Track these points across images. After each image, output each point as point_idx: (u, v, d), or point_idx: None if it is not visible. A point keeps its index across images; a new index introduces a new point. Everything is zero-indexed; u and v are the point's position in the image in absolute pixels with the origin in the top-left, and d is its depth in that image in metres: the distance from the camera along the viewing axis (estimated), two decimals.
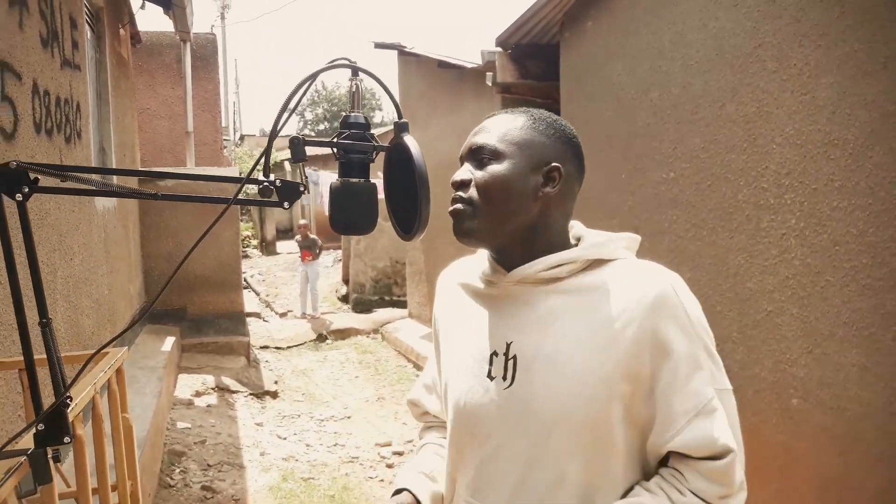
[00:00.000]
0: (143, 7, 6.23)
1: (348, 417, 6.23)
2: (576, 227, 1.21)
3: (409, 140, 1.04)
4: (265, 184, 0.98)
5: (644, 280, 1.07)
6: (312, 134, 37.28)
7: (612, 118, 4.08)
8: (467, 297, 1.25)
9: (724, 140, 3.22)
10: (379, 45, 8.35)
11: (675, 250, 3.57)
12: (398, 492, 1.24)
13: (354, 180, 1.03)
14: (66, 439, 1.10)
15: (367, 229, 1.05)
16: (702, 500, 1.02)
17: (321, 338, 9.50)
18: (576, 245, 1.16)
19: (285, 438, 5.57)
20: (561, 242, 1.15)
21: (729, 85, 3.16)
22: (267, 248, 19.33)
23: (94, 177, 1.08)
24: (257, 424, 5.84)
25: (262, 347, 8.80)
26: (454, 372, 1.21)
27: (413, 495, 1.23)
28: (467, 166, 1.14)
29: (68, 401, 1.09)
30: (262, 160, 1.00)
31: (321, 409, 6.50)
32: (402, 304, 10.28)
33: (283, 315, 11.18)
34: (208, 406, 5.94)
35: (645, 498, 1.03)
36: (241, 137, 27.50)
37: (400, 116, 1.07)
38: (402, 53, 8.08)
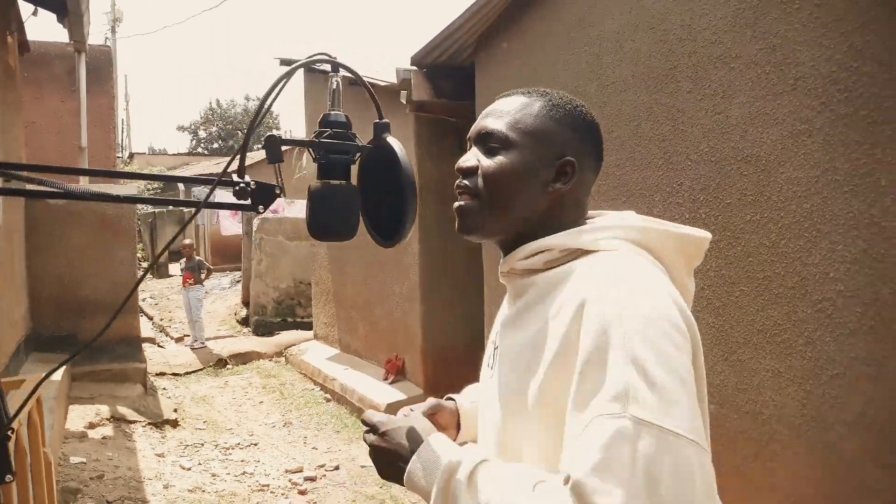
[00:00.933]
0: (35, 14, 5.85)
1: (255, 444, 5.98)
2: (602, 217, 1.09)
3: (394, 141, 1.00)
4: (241, 185, 0.91)
5: (593, 280, 0.92)
6: (206, 153, 36.09)
7: None
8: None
9: (639, 157, 3.34)
10: (285, 62, 8.20)
11: None
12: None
13: (335, 182, 0.97)
14: (8, 477, 0.97)
15: (348, 235, 0.98)
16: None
17: (221, 363, 9.11)
18: None
19: (189, 469, 5.28)
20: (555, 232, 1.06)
21: (644, 105, 3.29)
22: (158, 270, 18.46)
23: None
24: (158, 455, 5.50)
25: (158, 374, 8.34)
26: (484, 359, 1.22)
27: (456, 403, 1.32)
28: (475, 151, 1.08)
29: (10, 433, 0.97)
30: (238, 159, 0.93)
31: (225, 436, 6.21)
32: (307, 326, 10.02)
33: (178, 340, 10.67)
34: (104, 438, 5.55)
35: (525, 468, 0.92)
36: (131, 155, 26.29)
37: (380, 116, 1.03)
38: (310, 70, 7.96)
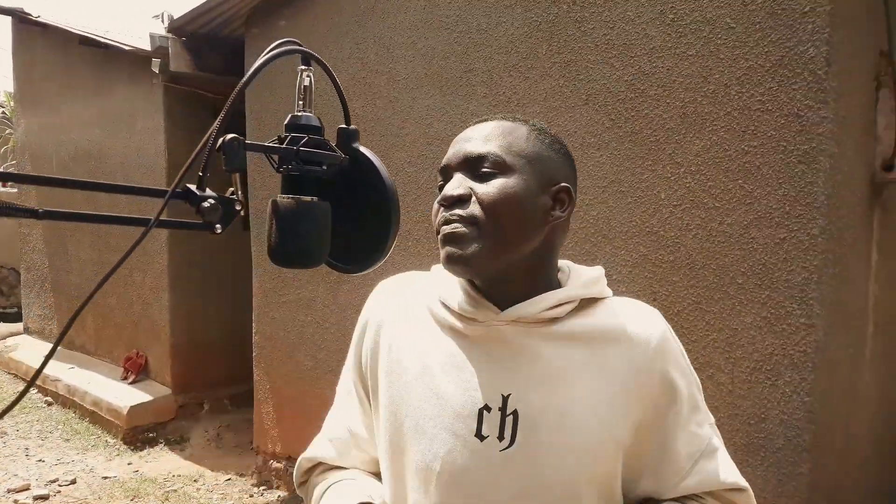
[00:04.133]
0: None
1: None
2: (582, 267, 1.11)
3: (368, 152, 0.86)
4: (210, 201, 0.71)
5: (643, 324, 1.01)
6: None
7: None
8: (437, 330, 1.04)
9: (431, 156, 3.36)
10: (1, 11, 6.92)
11: None
12: None
13: (308, 199, 0.80)
14: None
15: (319, 261, 0.82)
16: None
17: None
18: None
19: None
20: (556, 276, 1.05)
21: (437, 105, 3.32)
22: None
23: None
24: None
25: None
26: (419, 429, 0.99)
27: None
28: (460, 178, 0.96)
29: None
30: (199, 169, 0.72)
31: None
32: (11, 318, 8.68)
33: None
34: None
35: None
36: None
37: (348, 122, 0.88)
38: (24, 21, 6.81)
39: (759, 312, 2.35)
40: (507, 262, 0.97)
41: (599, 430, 0.95)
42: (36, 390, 6.50)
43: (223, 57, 4.67)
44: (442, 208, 0.97)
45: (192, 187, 0.72)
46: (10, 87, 8.21)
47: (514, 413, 0.95)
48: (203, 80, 4.88)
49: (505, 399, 0.96)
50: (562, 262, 1.08)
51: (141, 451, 5.05)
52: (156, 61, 4.73)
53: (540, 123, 1.04)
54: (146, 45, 4.79)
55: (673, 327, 1.08)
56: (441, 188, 0.99)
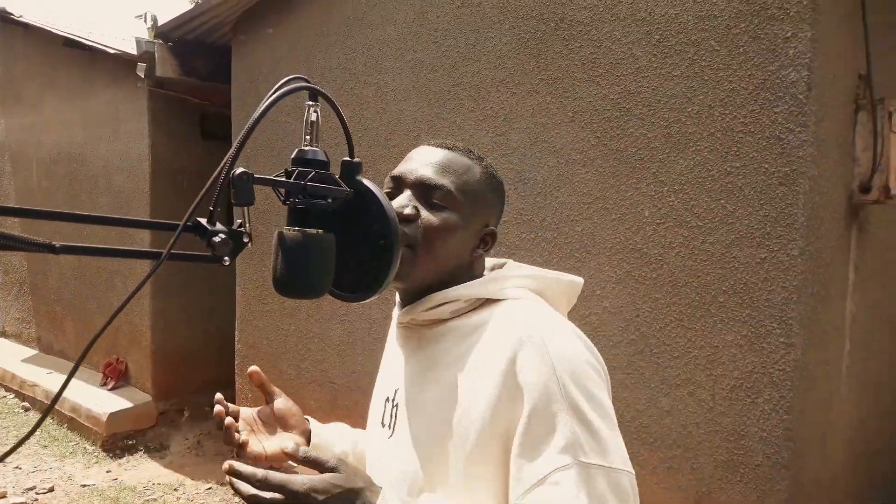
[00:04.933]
0: None
1: None
2: (505, 268, 1.13)
3: (372, 186, 0.88)
4: (221, 235, 0.73)
5: (512, 325, 0.97)
6: None
7: (291, 133, 3.97)
8: (394, 339, 1.17)
9: None
10: None
11: None
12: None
13: (313, 232, 0.82)
14: None
15: (323, 292, 0.85)
16: None
17: None
18: None
19: None
20: (467, 282, 1.08)
21: (425, 117, 3.34)
22: None
23: None
24: None
25: None
26: (370, 417, 1.16)
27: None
28: (411, 198, 1.02)
29: None
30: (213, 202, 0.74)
31: None
32: None
33: None
34: None
35: None
36: None
37: (352, 154, 0.90)
38: (5, 21, 6.74)
39: (740, 331, 2.39)
40: (430, 280, 1.04)
41: (449, 420, 0.96)
42: (13, 395, 6.43)
43: (209, 63, 4.66)
44: None
45: (203, 221, 0.74)
46: None
47: (396, 405, 1.06)
48: (189, 85, 4.87)
49: (395, 392, 1.08)
50: (504, 271, 1.11)
51: (120, 458, 5.01)
52: (141, 66, 4.70)
53: (490, 165, 1.11)
54: (131, 49, 4.77)
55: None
56: (389, 195, 1.04)
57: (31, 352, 6.97)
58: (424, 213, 1.01)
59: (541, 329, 0.95)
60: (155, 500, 4.34)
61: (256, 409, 1.16)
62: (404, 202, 1.01)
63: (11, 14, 6.60)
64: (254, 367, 1.15)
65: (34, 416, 5.90)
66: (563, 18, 2.81)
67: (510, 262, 1.16)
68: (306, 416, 1.21)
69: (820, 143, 2.32)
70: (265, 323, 4.23)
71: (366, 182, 0.89)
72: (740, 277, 2.38)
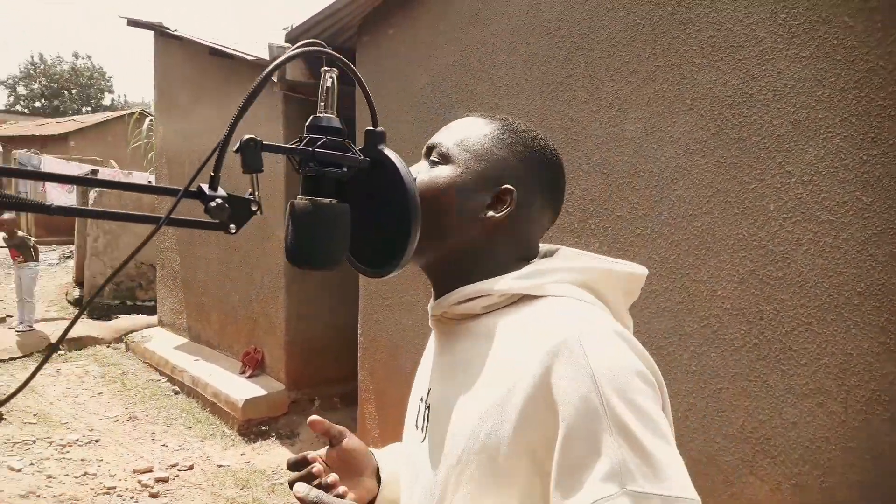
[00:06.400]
0: None
1: (96, 441, 5.47)
2: (555, 257, 0.98)
3: (393, 155, 0.85)
4: (218, 200, 0.73)
5: (547, 329, 0.84)
6: (27, 112, 32.67)
7: (412, 132, 4.02)
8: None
9: None
10: (133, 23, 7.51)
11: None
12: None
13: (326, 201, 0.80)
14: None
15: (336, 264, 0.81)
16: None
17: (51, 348, 8.26)
18: None
19: (20, 470, 4.72)
20: (492, 269, 0.95)
21: (538, 110, 3.26)
22: None
23: None
24: None
25: None
26: (407, 416, 1.08)
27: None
28: (423, 165, 0.98)
29: None
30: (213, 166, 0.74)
31: (61, 431, 5.64)
32: (149, 311, 9.34)
33: (1, 321, 9.58)
34: None
35: None
36: None
37: (375, 123, 0.87)
38: (163, 35, 7.33)
39: (877, 337, 2.15)
40: (431, 249, 0.94)
41: (476, 428, 0.86)
42: (166, 379, 6.98)
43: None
44: None
45: (205, 187, 0.74)
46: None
47: (429, 407, 0.97)
48: (317, 88, 5.05)
49: (428, 392, 0.99)
50: (551, 263, 0.96)
51: (254, 442, 5.30)
52: None
53: (521, 125, 0.99)
54: (267, 55, 5.02)
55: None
56: None
57: (182, 340, 7.54)
58: (421, 176, 0.96)
59: (579, 333, 0.81)
60: (282, 484, 4.55)
61: (324, 450, 1.09)
62: (415, 170, 0.97)
63: (168, 28, 7.17)
64: (314, 417, 1.07)
65: (182, 399, 6.38)
66: (681, 1, 2.64)
67: (563, 249, 1.01)
68: (370, 449, 1.16)
69: None
70: (385, 317, 4.32)
71: (387, 151, 0.85)
72: (877, 278, 2.14)
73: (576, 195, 3.09)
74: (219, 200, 0.73)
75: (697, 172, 2.63)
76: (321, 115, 0.82)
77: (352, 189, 0.86)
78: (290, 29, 8.39)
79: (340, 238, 0.81)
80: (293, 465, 1.01)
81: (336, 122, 0.82)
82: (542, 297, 0.90)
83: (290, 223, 0.80)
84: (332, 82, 0.82)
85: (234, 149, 0.75)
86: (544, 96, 3.23)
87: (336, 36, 4.63)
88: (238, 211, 0.76)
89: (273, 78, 4.13)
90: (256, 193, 0.78)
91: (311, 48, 0.80)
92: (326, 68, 0.82)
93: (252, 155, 0.74)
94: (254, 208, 0.77)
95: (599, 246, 3.00)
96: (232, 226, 0.76)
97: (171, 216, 0.73)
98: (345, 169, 0.81)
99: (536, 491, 0.80)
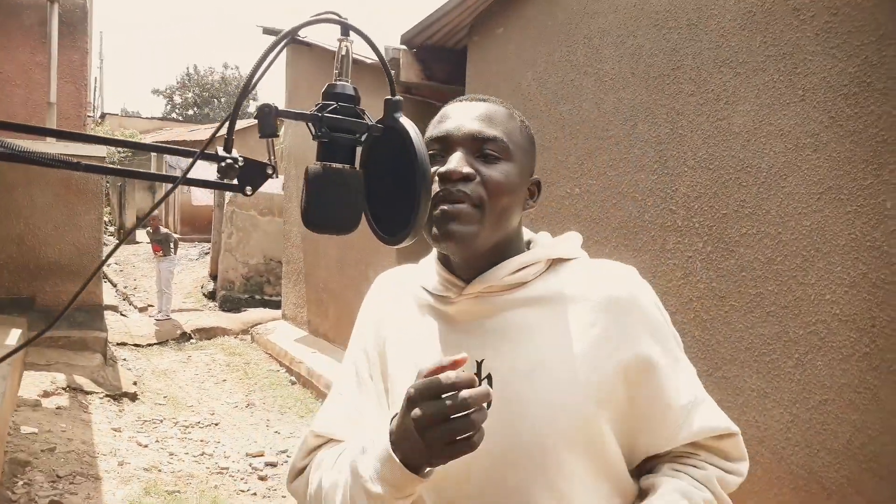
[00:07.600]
0: None
1: (215, 424, 5.83)
2: (544, 234, 1.13)
3: (407, 122, 0.86)
4: (227, 160, 0.77)
5: (609, 282, 1.01)
6: (180, 119, 35.39)
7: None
8: (423, 313, 1.07)
9: (633, 159, 3.22)
10: (268, 31, 7.96)
11: None
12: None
13: (337, 166, 0.82)
14: None
15: (349, 229, 0.83)
16: (720, 469, 1.02)
17: (184, 336, 8.90)
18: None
19: (146, 446, 5.11)
20: (522, 248, 1.06)
21: (643, 104, 3.17)
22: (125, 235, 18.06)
23: None
24: (114, 430, 5.33)
25: (119, 344, 8.13)
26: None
27: None
28: (462, 155, 0.96)
29: None
30: (227, 130, 0.78)
31: (185, 413, 6.05)
32: (275, 305, 9.84)
33: (142, 310, 10.41)
34: (58, 408, 5.35)
35: (669, 484, 0.98)
36: (103, 116, 25.57)
37: (393, 92, 0.89)
38: (293, 41, 7.72)
39: None
40: (494, 241, 0.99)
41: (569, 386, 0.96)
42: (285, 370, 7.33)
43: (448, 66, 4.89)
44: (440, 181, 0.95)
45: (220, 149, 0.78)
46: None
47: (489, 377, 0.98)
48: (431, 89, 5.15)
49: (479, 364, 0.99)
50: (535, 235, 1.11)
51: None
52: (391, 72, 5.08)
53: (518, 111, 1.06)
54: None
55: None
56: (435, 158, 0.97)
57: (301, 333, 7.89)
58: (483, 169, 0.96)
59: (634, 281, 1.03)
60: None
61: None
62: (458, 161, 0.95)
63: (298, 35, 7.54)
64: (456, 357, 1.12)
65: (297, 389, 6.67)
66: None
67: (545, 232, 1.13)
68: None
69: None
70: None
71: (402, 120, 0.86)
72: None
73: (680, 192, 2.98)
74: (229, 160, 0.78)
75: (808, 168, 2.46)
76: (336, 83, 0.84)
77: (374, 157, 0.89)
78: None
79: (351, 203, 0.83)
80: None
81: (349, 90, 0.84)
82: (569, 259, 1.04)
83: (304, 188, 0.83)
84: (347, 51, 0.84)
85: (254, 115, 0.79)
86: (650, 89, 3.13)
87: (448, 36, 4.71)
88: (253, 174, 0.81)
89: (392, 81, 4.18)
90: (272, 157, 0.82)
91: (325, 17, 0.83)
92: (341, 37, 0.84)
93: (268, 121, 0.78)
94: (269, 171, 0.81)
95: (703, 246, 2.87)
96: (248, 188, 0.81)
97: (188, 176, 0.78)
98: (357, 135, 0.83)
99: (623, 408, 0.98)
